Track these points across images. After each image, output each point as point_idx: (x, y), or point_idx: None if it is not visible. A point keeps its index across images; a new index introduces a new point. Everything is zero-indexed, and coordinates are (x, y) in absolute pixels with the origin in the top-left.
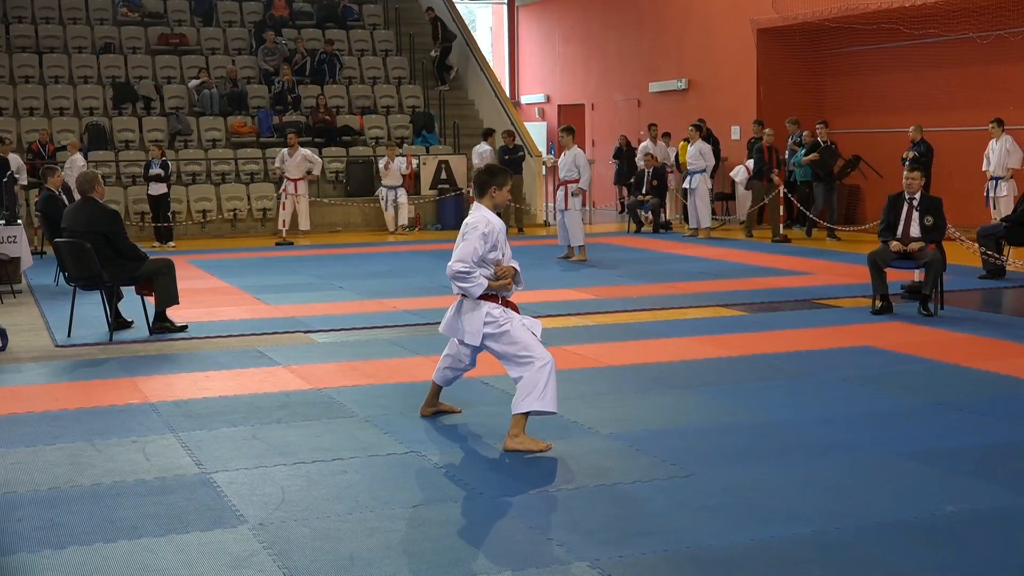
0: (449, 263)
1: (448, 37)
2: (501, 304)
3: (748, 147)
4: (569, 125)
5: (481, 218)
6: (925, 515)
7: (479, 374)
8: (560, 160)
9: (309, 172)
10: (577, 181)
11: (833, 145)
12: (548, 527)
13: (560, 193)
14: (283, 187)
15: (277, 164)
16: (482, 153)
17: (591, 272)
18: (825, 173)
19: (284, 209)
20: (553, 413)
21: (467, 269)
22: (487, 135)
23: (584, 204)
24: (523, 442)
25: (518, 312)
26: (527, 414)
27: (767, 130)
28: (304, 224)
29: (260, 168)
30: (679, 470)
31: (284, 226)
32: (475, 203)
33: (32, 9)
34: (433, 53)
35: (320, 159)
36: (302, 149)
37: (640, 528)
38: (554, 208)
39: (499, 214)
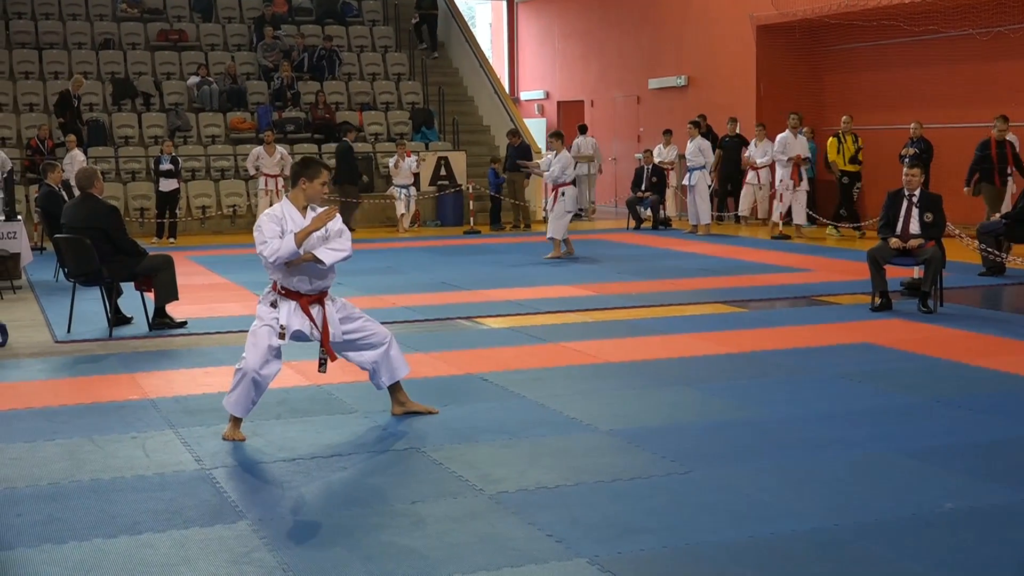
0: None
1: (425, 5)
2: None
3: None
4: (558, 131)
5: (268, 211)
6: (924, 512)
7: (477, 370)
8: (548, 161)
9: (282, 170)
10: (569, 184)
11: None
12: (547, 523)
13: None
14: (264, 184)
15: (251, 162)
16: (579, 145)
17: (591, 269)
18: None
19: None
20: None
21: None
22: (583, 130)
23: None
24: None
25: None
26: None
27: (998, 120)
28: None
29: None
30: (678, 467)
31: None
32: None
33: (32, 5)
34: (414, 20)
35: (291, 158)
36: (279, 148)
37: (639, 524)
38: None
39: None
